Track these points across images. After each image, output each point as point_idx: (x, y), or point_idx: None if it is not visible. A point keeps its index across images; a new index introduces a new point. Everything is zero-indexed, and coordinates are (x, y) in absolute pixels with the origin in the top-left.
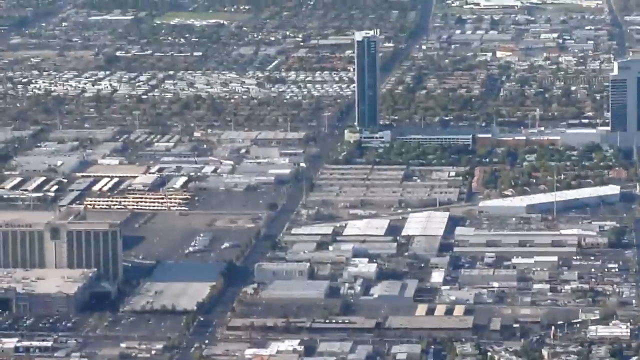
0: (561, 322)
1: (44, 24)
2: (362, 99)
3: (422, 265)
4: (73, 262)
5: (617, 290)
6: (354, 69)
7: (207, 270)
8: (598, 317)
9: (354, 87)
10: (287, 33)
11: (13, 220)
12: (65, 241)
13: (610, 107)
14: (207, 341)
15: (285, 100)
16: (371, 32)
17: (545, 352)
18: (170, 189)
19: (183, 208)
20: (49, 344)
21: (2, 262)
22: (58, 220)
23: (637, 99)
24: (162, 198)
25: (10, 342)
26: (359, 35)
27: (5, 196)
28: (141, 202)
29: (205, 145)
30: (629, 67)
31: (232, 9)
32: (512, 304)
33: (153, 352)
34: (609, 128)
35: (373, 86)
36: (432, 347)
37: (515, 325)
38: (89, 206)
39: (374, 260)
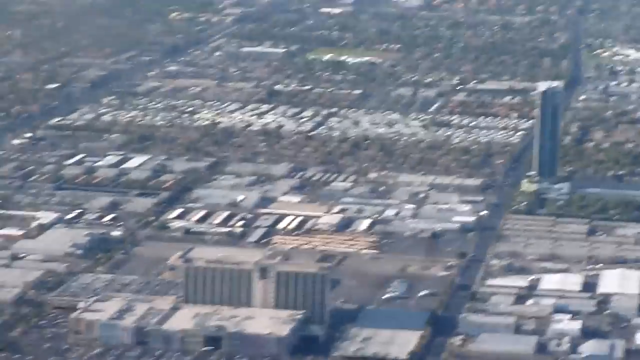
0: None
1: (196, 52)
2: (543, 150)
3: (625, 324)
4: (280, 303)
5: None
6: (519, 115)
7: (412, 319)
8: None
9: (519, 134)
10: (442, 75)
11: (222, 257)
12: (273, 281)
13: None
14: None
15: (452, 145)
16: (555, 83)
17: None
18: (357, 231)
19: (373, 251)
20: None
21: (210, 298)
22: (267, 260)
23: None
24: (351, 240)
25: None
26: (542, 86)
27: (192, 230)
28: (330, 243)
29: (382, 188)
30: None
31: (382, 48)
32: None
33: None
34: None
35: (554, 137)
36: None
37: None
38: (276, 244)
39: (576, 317)
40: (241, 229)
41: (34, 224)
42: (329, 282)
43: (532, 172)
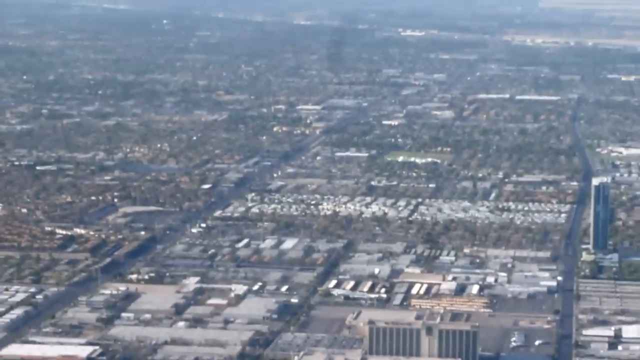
0: None
1: (303, 157)
2: (596, 228)
3: None
4: (442, 353)
5: None
6: (558, 201)
7: None
8: None
9: (564, 216)
10: (489, 171)
11: (396, 319)
12: (436, 337)
13: None
14: None
15: (517, 225)
16: (606, 179)
17: None
18: (471, 295)
19: (488, 310)
20: None
21: (389, 351)
22: (430, 320)
23: None
24: (469, 301)
25: None
26: (596, 181)
27: (349, 296)
28: (454, 304)
29: (477, 260)
30: None
31: (437, 150)
32: None
33: None
34: None
35: (605, 220)
36: None
37: None
38: (415, 307)
39: None
40: (385, 295)
41: (232, 294)
42: (478, 335)
43: (588, 246)
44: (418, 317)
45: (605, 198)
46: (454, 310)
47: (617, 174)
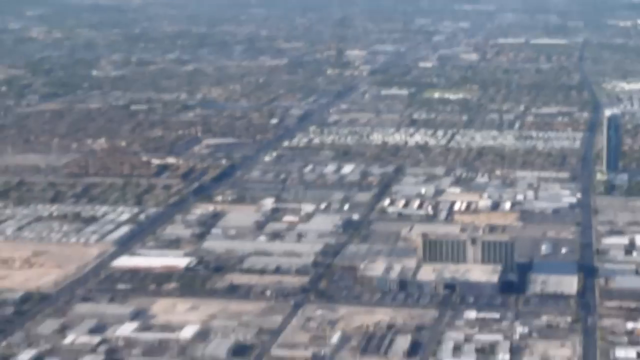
0: None
1: (353, 95)
2: (609, 152)
3: None
4: (484, 261)
5: None
6: (572, 129)
7: (567, 267)
8: None
9: (578, 142)
10: (512, 104)
11: (444, 232)
12: (480, 247)
13: None
14: None
15: (539, 151)
16: (616, 110)
17: None
18: (504, 210)
19: (520, 223)
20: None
21: (439, 258)
22: (473, 232)
23: None
24: (503, 216)
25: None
26: (608, 112)
27: (402, 213)
28: (491, 219)
29: (507, 181)
30: None
31: (466, 88)
32: None
33: None
34: None
35: (616, 145)
36: None
37: None
38: (457, 221)
39: None
40: (431, 211)
41: (302, 212)
42: (515, 245)
43: (601, 167)
44: (462, 230)
45: (616, 127)
46: (491, 224)
47: (622, 105)
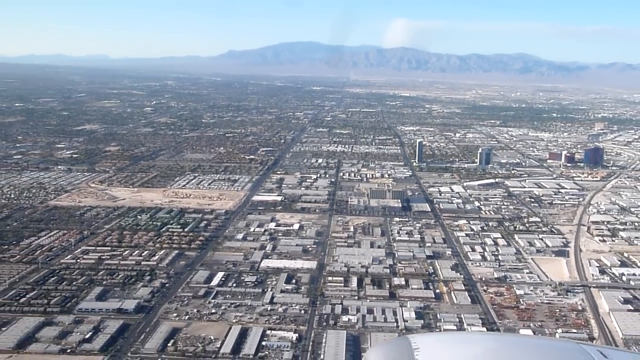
0: None
1: None
2: (418, 154)
3: None
4: (394, 197)
5: None
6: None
7: (422, 200)
8: None
9: (399, 150)
10: (367, 135)
11: (375, 187)
12: (391, 192)
13: None
14: None
15: (385, 154)
16: (419, 139)
17: None
18: (386, 177)
19: (395, 183)
20: (405, 219)
21: (374, 197)
22: (386, 187)
23: None
24: (387, 180)
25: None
26: (417, 139)
27: (350, 179)
28: (382, 181)
29: (383, 165)
30: None
31: (347, 128)
32: None
33: None
34: None
35: (420, 151)
36: None
37: None
38: None
39: None
40: (360, 177)
41: (312, 178)
42: (404, 192)
43: (415, 160)
44: (379, 185)
45: (420, 144)
46: (384, 183)
47: (407, 136)
